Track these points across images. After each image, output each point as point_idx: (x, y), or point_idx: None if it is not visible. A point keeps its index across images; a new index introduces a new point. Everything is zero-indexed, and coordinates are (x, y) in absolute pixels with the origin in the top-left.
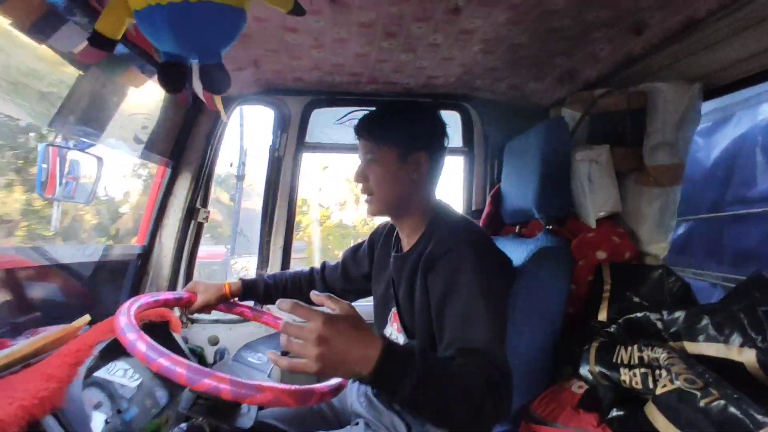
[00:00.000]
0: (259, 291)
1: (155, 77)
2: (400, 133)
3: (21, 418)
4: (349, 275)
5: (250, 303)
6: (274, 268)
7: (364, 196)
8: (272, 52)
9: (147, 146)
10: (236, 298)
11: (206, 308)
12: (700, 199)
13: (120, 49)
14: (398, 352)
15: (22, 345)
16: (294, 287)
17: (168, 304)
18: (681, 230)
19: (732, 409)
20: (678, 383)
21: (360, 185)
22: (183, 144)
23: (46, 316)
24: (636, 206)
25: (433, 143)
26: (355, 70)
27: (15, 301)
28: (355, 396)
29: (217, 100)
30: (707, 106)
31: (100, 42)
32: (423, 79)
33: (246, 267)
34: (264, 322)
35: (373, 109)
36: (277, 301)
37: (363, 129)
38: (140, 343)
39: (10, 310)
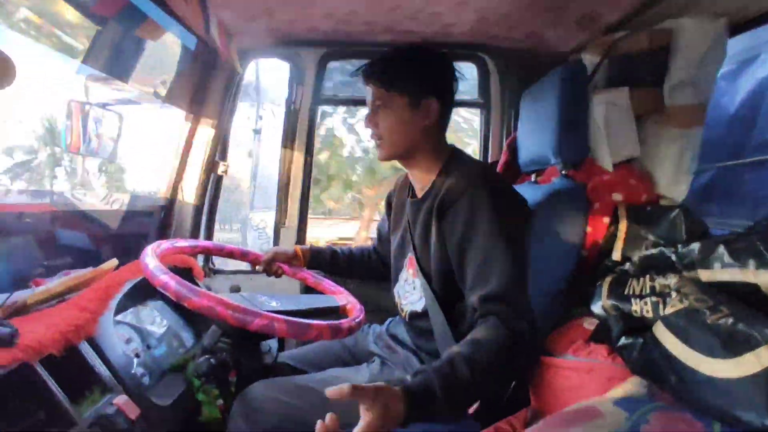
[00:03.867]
0: (326, 259)
1: (173, 29)
2: (411, 79)
3: (59, 342)
4: (383, 240)
5: None
6: (291, 221)
7: (374, 141)
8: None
9: (166, 101)
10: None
11: (274, 262)
12: (723, 145)
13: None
14: (418, 394)
15: (56, 282)
16: (355, 259)
17: (233, 255)
18: (703, 179)
19: (740, 325)
20: (687, 302)
21: (370, 130)
22: (201, 98)
23: (77, 260)
24: (655, 149)
25: (444, 90)
26: (369, 19)
27: (49, 245)
28: (371, 338)
29: (232, 50)
30: (732, 48)
31: None
32: (438, 27)
33: (264, 220)
34: (322, 289)
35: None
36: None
37: (372, 74)
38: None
39: (44, 253)
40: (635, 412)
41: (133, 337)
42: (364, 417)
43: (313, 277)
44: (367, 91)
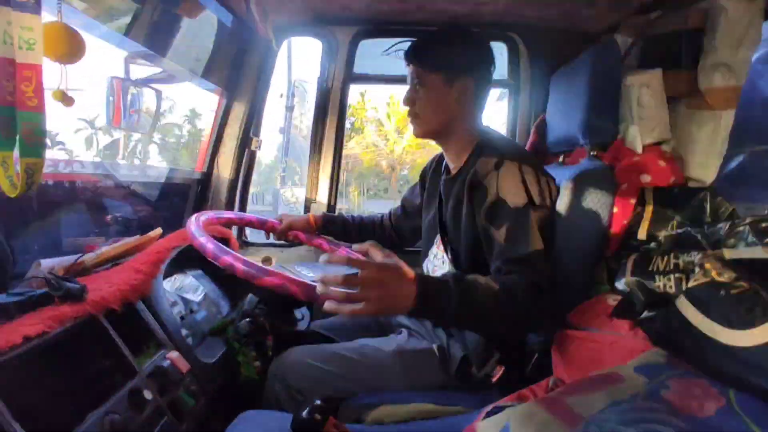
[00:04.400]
0: (338, 226)
1: (211, 6)
2: (446, 59)
3: (119, 299)
4: (408, 212)
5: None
6: (322, 197)
7: (410, 119)
8: None
9: (203, 77)
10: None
11: (290, 231)
12: (756, 129)
13: None
14: (432, 282)
15: (109, 248)
16: (366, 227)
17: (252, 224)
18: (733, 163)
19: (759, 299)
20: (709, 277)
21: (407, 108)
22: (236, 75)
23: (124, 228)
24: (685, 131)
25: (479, 70)
26: None
27: (97, 213)
28: None
29: (268, 28)
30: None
31: None
32: (471, 5)
33: (295, 195)
34: None
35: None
36: (325, 258)
37: (411, 54)
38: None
39: (94, 221)
40: (655, 378)
41: (177, 301)
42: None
43: (328, 243)
44: (408, 72)
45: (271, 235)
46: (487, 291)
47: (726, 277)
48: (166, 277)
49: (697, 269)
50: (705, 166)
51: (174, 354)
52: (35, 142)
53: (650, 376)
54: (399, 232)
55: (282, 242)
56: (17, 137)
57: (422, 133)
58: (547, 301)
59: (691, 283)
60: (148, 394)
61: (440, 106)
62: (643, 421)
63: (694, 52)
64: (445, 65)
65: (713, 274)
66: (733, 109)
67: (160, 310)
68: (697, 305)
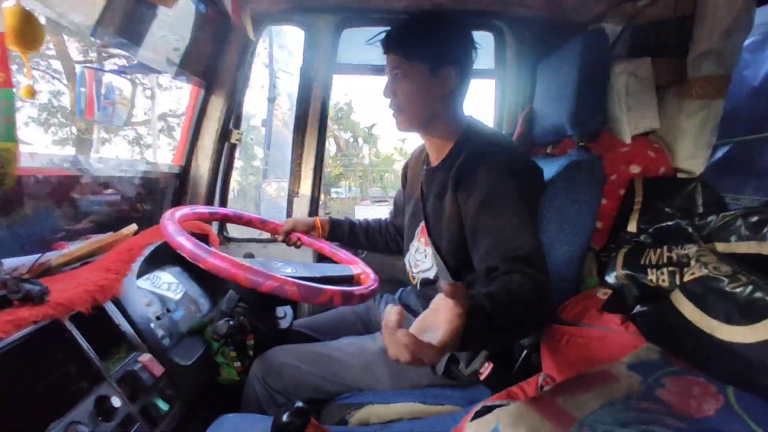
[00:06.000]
0: (345, 230)
1: None
2: (430, 48)
3: (86, 300)
4: (399, 213)
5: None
6: (305, 190)
7: (392, 111)
8: None
9: (180, 67)
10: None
11: (293, 232)
12: (744, 118)
13: None
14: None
15: (79, 245)
16: (372, 232)
17: (252, 224)
18: (721, 153)
19: (758, 293)
20: (706, 270)
21: (388, 100)
22: (215, 66)
23: (96, 225)
24: (674, 120)
25: (463, 58)
26: None
27: (69, 210)
28: (383, 307)
29: (245, 16)
30: (758, 18)
31: None
32: None
33: (278, 189)
34: (338, 259)
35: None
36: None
37: (392, 43)
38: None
39: (65, 218)
40: (650, 376)
41: (153, 300)
42: None
43: (329, 247)
44: (388, 61)
45: (260, 232)
46: (502, 307)
47: (723, 271)
48: (143, 274)
49: (693, 262)
50: (694, 156)
51: (146, 357)
52: (5, 123)
53: (645, 374)
54: (401, 234)
55: (265, 238)
56: None
57: (406, 126)
58: (550, 299)
59: (686, 277)
60: (116, 401)
61: (425, 97)
62: (639, 421)
63: (683, 39)
64: (429, 54)
65: (710, 267)
66: (723, 98)
67: (131, 311)
68: (693, 300)
